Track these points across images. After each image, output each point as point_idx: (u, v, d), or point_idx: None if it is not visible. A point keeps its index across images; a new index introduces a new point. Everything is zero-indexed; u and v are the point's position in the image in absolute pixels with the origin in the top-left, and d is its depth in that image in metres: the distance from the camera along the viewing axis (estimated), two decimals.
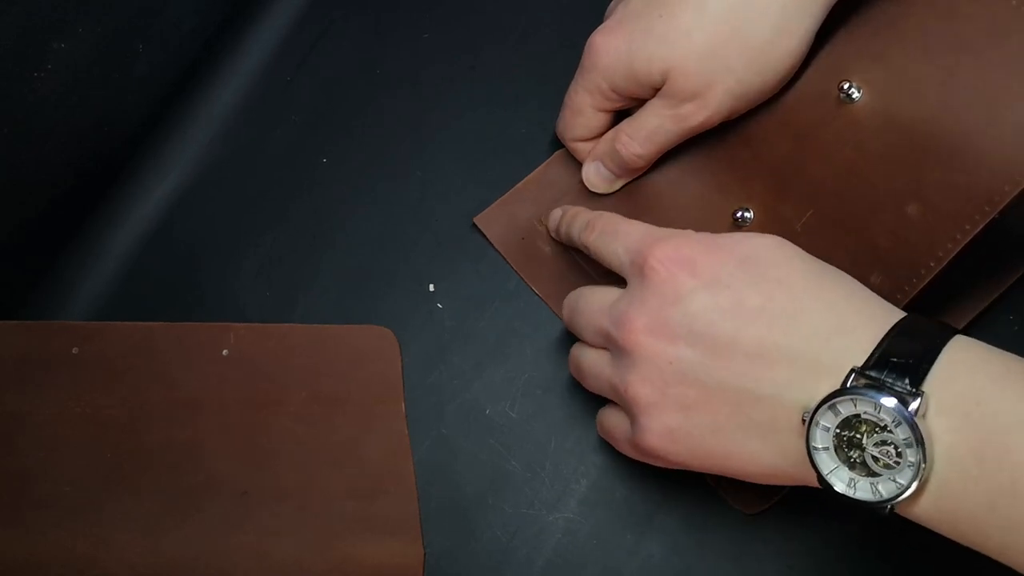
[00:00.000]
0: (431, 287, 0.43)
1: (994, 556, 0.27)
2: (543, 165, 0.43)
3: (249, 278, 0.43)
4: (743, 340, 0.30)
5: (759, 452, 0.30)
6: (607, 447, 0.40)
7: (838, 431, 0.28)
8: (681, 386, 0.31)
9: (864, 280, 0.37)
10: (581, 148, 0.41)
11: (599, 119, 0.40)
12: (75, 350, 0.41)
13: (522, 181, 0.43)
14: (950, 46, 0.35)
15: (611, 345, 0.33)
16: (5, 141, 0.39)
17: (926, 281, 0.35)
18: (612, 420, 0.35)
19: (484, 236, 0.43)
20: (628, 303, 0.32)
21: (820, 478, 0.29)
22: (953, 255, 0.35)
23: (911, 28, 0.36)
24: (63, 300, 0.43)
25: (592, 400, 0.41)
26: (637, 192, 0.42)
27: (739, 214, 0.40)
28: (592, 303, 0.35)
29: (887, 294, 0.36)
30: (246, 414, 0.40)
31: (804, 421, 0.29)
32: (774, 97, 0.39)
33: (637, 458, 0.34)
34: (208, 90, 0.46)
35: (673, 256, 0.32)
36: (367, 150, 0.45)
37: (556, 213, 0.41)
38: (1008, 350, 0.32)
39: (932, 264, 0.35)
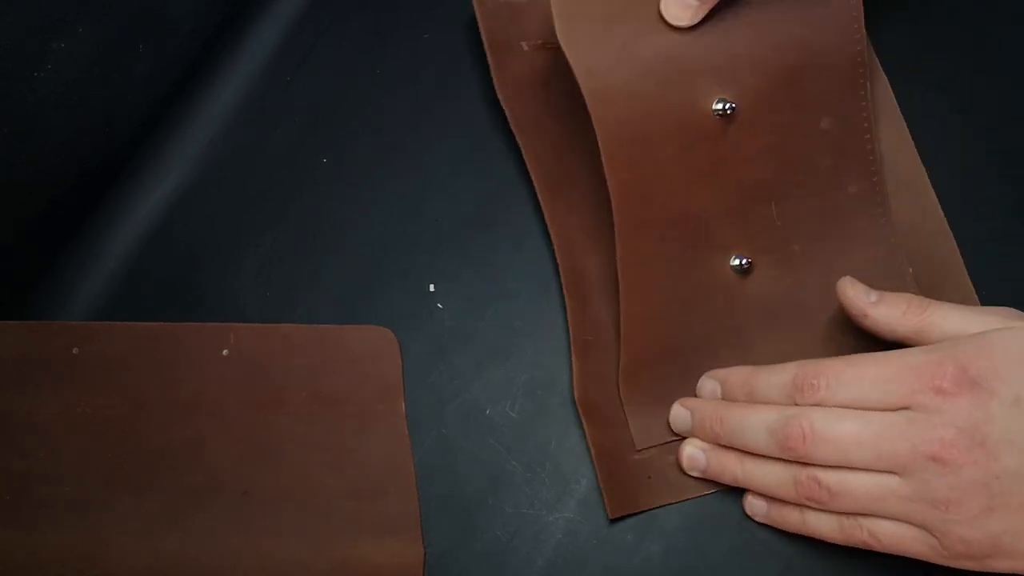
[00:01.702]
0: (431, 287, 0.43)
1: None
2: None
3: (249, 278, 0.43)
4: None
5: None
6: None
7: None
8: (1007, 496, 0.32)
9: (843, 191, 0.41)
10: None
11: None
12: (75, 350, 0.41)
13: None
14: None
15: (917, 467, 0.33)
16: (5, 141, 0.39)
17: (879, 154, 0.41)
18: (901, 535, 0.35)
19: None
20: (938, 427, 0.33)
21: None
22: (868, 96, 0.40)
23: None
24: (63, 300, 0.43)
25: None
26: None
27: (736, 263, 0.40)
28: (871, 429, 0.34)
29: (868, 196, 0.41)
30: (246, 414, 0.40)
31: None
32: (668, 173, 0.39)
33: (947, 564, 0.34)
34: (208, 90, 0.46)
35: (963, 379, 0.32)
36: (367, 150, 0.45)
37: (694, 404, 0.39)
38: None
39: (870, 137, 0.40)
